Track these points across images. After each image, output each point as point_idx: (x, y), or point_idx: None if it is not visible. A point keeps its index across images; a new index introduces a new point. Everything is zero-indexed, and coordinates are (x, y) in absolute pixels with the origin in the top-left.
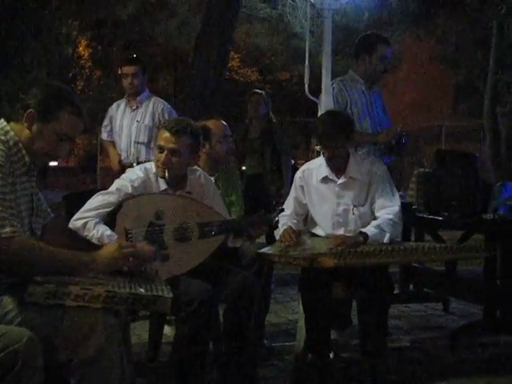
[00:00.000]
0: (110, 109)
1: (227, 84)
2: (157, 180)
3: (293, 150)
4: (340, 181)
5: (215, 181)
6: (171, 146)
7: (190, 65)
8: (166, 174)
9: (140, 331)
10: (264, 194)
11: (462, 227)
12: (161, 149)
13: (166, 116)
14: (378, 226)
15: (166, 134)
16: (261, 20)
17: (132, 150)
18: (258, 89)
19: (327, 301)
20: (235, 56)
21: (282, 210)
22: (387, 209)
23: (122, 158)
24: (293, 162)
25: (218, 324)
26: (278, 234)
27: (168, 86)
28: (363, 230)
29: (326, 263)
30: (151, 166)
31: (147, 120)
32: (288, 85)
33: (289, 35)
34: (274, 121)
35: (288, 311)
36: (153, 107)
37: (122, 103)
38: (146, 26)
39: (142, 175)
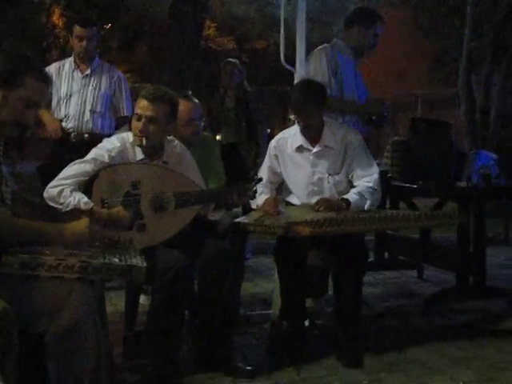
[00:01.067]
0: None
1: (204, 53)
2: (134, 149)
3: (269, 120)
4: (315, 149)
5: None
6: (149, 113)
7: (166, 34)
8: (144, 142)
9: (116, 301)
10: (240, 163)
11: (436, 195)
12: (138, 117)
13: (123, 85)
14: (359, 193)
15: (144, 102)
16: None
17: (85, 118)
18: (234, 58)
19: (302, 269)
20: (211, 25)
21: (260, 179)
22: (366, 177)
23: (69, 126)
24: (269, 131)
25: (193, 293)
26: (254, 203)
27: (144, 55)
28: (345, 196)
29: (301, 231)
30: (128, 135)
31: (103, 88)
32: (265, 53)
33: (264, 3)
34: (249, 90)
35: (265, 280)
36: (108, 75)
37: (67, 65)
38: None
39: (118, 144)
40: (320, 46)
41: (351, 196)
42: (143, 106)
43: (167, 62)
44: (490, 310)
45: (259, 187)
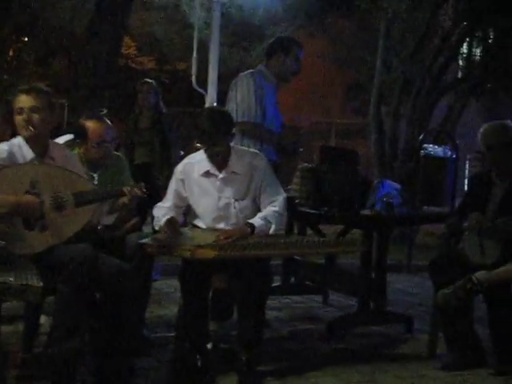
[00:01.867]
0: None
1: (124, 72)
2: (22, 151)
3: (184, 141)
4: (221, 175)
5: (99, 176)
6: (30, 104)
7: (84, 49)
8: (32, 131)
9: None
10: (152, 183)
11: (341, 222)
12: (20, 110)
13: None
14: (264, 218)
15: (23, 97)
16: (157, 8)
17: None
18: (154, 78)
19: (206, 292)
20: (132, 44)
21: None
22: (273, 202)
23: None
24: (182, 153)
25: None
26: (156, 224)
27: (61, 70)
28: (250, 221)
29: (206, 255)
30: (14, 139)
31: None
32: (186, 75)
33: (184, 25)
34: (164, 111)
35: (172, 302)
36: None
37: None
38: (36, 8)
39: (6, 148)
40: (246, 72)
41: (256, 221)
42: (23, 99)
43: (84, 77)
44: (389, 334)
45: (162, 210)
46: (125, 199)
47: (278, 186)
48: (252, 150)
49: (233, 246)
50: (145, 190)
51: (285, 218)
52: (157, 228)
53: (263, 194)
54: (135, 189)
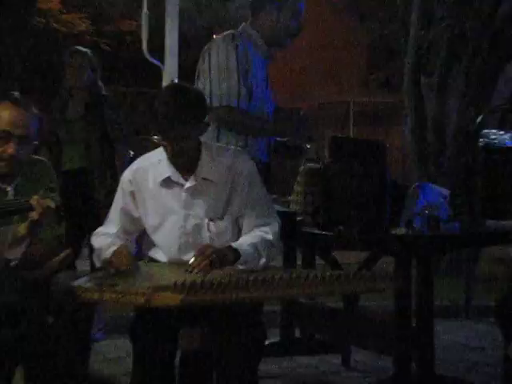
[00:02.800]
0: None
1: (43, 36)
2: None
3: (134, 136)
4: (188, 184)
5: (15, 190)
6: None
7: None
8: None
9: None
10: (88, 199)
11: (364, 247)
12: None
13: None
14: (254, 246)
15: None
16: None
17: None
18: (88, 45)
19: (171, 356)
20: None
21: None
22: (264, 227)
23: None
24: (132, 153)
25: None
26: (98, 258)
27: None
28: (233, 244)
29: (168, 300)
30: None
31: None
32: (132, 39)
33: None
34: (105, 93)
35: (120, 369)
36: None
37: None
38: None
39: None
40: (223, 34)
41: (243, 247)
42: None
43: None
44: None
45: (107, 237)
46: (33, 214)
47: (269, 203)
48: (232, 147)
49: (208, 285)
50: (58, 203)
51: (276, 253)
52: (98, 264)
53: (249, 213)
54: (47, 199)
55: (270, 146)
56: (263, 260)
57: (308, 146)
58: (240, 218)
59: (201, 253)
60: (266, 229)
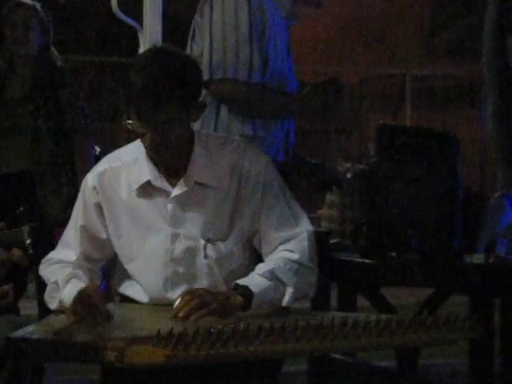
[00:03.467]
0: None
1: None
2: None
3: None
4: (176, 191)
5: None
6: None
7: None
8: None
9: None
10: (35, 212)
11: (426, 281)
12: None
13: None
14: (272, 274)
15: None
16: None
17: None
18: None
19: None
20: None
21: (40, 225)
22: (287, 243)
23: None
24: (98, 149)
25: None
26: (51, 297)
27: None
28: (241, 281)
29: (148, 356)
30: None
31: None
32: None
33: None
34: (60, 64)
35: None
36: None
37: None
38: None
39: None
40: None
41: (255, 281)
42: None
43: None
44: None
45: (61, 269)
46: None
47: (294, 209)
48: (237, 138)
49: (204, 337)
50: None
51: (313, 275)
52: (51, 306)
53: (265, 226)
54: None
55: (288, 138)
56: (289, 291)
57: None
58: (254, 237)
59: (188, 295)
60: (291, 245)
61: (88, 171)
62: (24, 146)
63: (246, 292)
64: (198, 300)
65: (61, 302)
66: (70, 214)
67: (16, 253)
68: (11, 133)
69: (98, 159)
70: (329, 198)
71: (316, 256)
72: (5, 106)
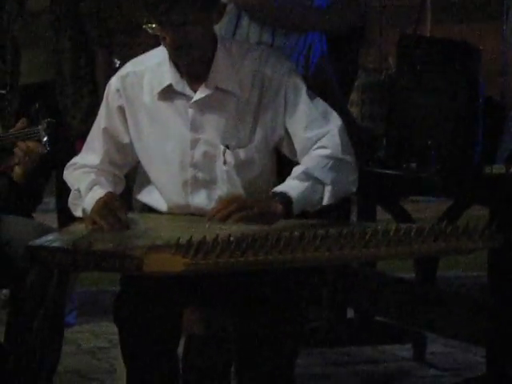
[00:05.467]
0: None
1: None
2: None
3: (123, 36)
4: (198, 96)
5: None
6: None
7: None
8: None
9: None
10: (57, 123)
11: (445, 192)
12: None
13: None
14: (307, 174)
15: None
16: None
17: None
18: None
19: (172, 343)
20: None
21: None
22: (320, 141)
23: None
24: (118, 62)
25: None
26: (74, 203)
27: None
28: (280, 188)
29: (167, 265)
30: None
31: None
32: None
33: None
34: None
35: (102, 364)
36: None
37: None
38: None
39: None
40: None
41: (290, 185)
42: None
43: None
44: None
45: (85, 175)
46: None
47: (321, 107)
48: (262, 46)
49: (228, 244)
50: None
51: (351, 169)
52: (75, 212)
53: (294, 129)
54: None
55: (310, 52)
56: (328, 188)
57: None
58: (283, 144)
59: (226, 199)
60: (322, 142)
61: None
62: (45, 57)
63: (284, 199)
64: (238, 203)
65: (83, 210)
66: (92, 124)
67: (31, 144)
68: (32, 45)
69: (117, 70)
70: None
71: (351, 149)
72: (25, 18)
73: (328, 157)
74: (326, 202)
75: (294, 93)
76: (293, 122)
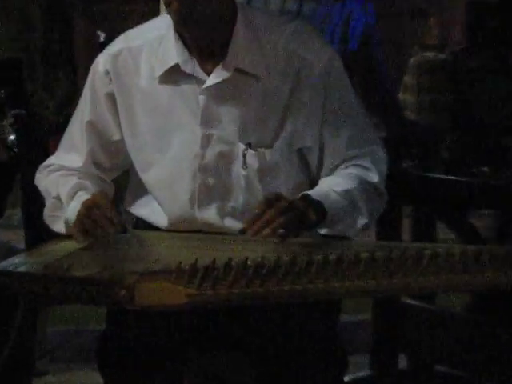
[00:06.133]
0: None
1: None
2: None
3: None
4: (212, 80)
5: None
6: None
7: None
8: None
9: None
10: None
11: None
12: None
13: None
14: (349, 194)
15: None
16: None
17: None
18: None
19: None
20: None
21: (22, 114)
22: (360, 159)
23: None
24: (103, 35)
25: None
26: (53, 218)
27: None
28: (313, 194)
29: (165, 297)
30: None
31: None
32: None
33: None
34: None
35: None
36: None
37: None
38: None
39: None
40: None
41: (328, 197)
42: None
43: None
44: None
45: (69, 178)
46: None
47: (366, 119)
48: (296, 20)
49: (237, 271)
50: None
51: (385, 200)
52: (56, 227)
53: (328, 133)
54: None
55: (347, 23)
56: (362, 221)
57: None
58: (309, 150)
59: (268, 203)
60: (366, 163)
61: (90, 62)
62: (11, 30)
63: (319, 210)
64: (280, 217)
65: (66, 222)
66: (68, 116)
67: None
68: None
69: (102, 47)
70: (402, 95)
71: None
72: None
73: (372, 184)
74: (351, 233)
75: (338, 92)
76: (331, 129)
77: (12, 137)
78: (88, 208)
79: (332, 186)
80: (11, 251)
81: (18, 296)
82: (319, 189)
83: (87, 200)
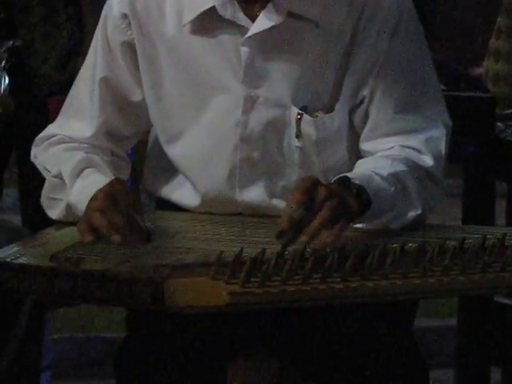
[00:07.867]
0: None
1: None
2: None
3: None
4: (257, 27)
5: None
6: None
7: None
8: None
9: None
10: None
11: None
12: None
13: None
14: (395, 178)
15: None
16: None
17: None
18: None
19: None
20: None
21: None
22: (416, 135)
23: None
24: None
25: None
26: (52, 201)
27: None
28: (353, 177)
29: (204, 297)
30: None
31: None
32: None
33: None
34: None
35: None
36: None
37: None
38: None
39: None
40: None
41: (372, 182)
42: None
43: None
44: None
45: (72, 153)
46: None
47: (433, 85)
48: None
49: (292, 264)
50: None
51: (442, 188)
52: (53, 214)
53: (380, 95)
54: None
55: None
56: (415, 212)
57: None
58: (357, 112)
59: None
60: (422, 143)
61: (100, 8)
62: None
63: (361, 196)
64: (328, 210)
65: (68, 206)
66: (73, 74)
67: None
68: None
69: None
70: (493, 42)
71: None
72: None
73: (426, 170)
74: (394, 226)
75: (403, 39)
76: (385, 83)
77: (5, 80)
78: (103, 201)
79: (375, 168)
80: (19, 234)
81: (19, 293)
82: (360, 172)
83: (102, 190)
